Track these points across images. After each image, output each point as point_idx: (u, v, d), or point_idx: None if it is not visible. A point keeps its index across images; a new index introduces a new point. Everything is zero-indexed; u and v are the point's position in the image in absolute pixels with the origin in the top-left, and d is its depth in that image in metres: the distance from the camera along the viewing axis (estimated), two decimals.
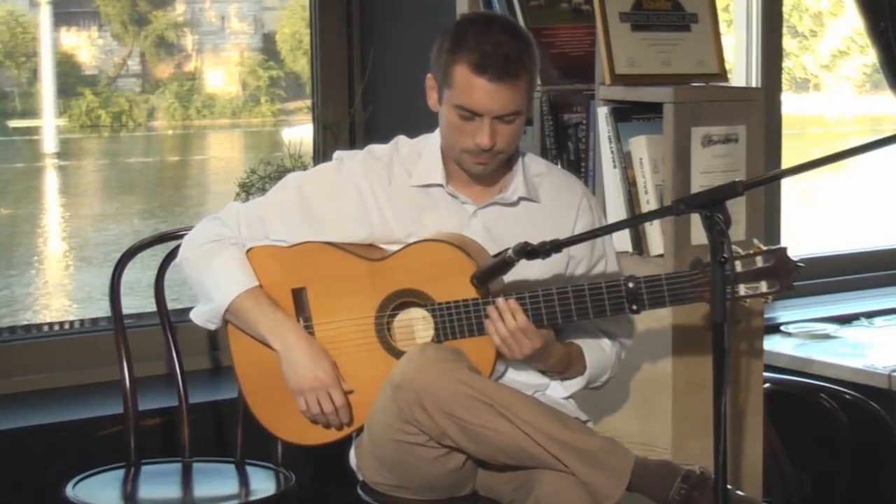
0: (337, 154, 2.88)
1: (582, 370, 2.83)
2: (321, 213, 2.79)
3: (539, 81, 3.38)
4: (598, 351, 2.85)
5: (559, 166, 3.35)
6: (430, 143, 2.82)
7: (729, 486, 2.43)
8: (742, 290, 2.59)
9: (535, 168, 2.87)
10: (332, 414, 2.74)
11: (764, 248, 2.60)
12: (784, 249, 2.60)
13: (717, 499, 2.38)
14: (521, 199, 2.81)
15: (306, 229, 2.79)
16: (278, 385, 2.79)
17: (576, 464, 2.56)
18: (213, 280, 2.78)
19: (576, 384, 2.84)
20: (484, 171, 2.74)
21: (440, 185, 2.78)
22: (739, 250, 2.58)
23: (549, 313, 2.66)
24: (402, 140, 2.86)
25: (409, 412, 2.58)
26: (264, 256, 2.80)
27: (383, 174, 2.80)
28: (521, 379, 2.79)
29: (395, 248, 2.76)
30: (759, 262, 2.59)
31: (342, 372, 2.76)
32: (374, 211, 2.78)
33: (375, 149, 2.85)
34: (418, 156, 2.81)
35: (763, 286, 2.59)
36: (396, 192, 2.79)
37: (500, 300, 2.65)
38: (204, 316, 2.82)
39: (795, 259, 2.60)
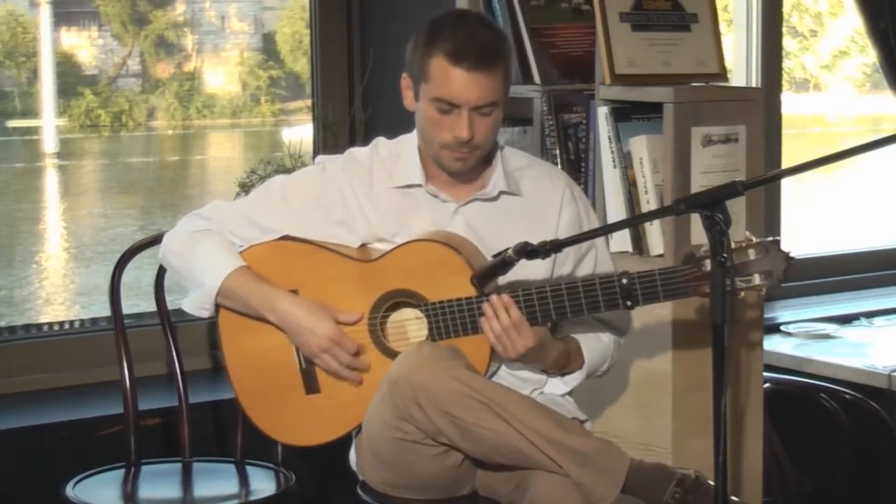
0: (319, 159, 2.91)
1: (581, 364, 2.83)
2: (307, 218, 2.79)
3: (539, 81, 3.40)
4: (595, 343, 2.86)
5: (557, 165, 3.36)
6: (409, 144, 2.82)
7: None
8: (736, 282, 2.59)
9: (515, 162, 2.86)
10: (353, 362, 2.73)
11: (756, 239, 2.60)
12: (776, 241, 2.60)
13: (717, 499, 2.39)
14: (501, 193, 2.81)
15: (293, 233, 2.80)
16: (272, 386, 2.80)
17: (570, 465, 2.56)
18: (200, 265, 2.79)
19: (575, 378, 2.85)
20: (463, 167, 2.74)
21: (419, 186, 2.79)
22: (732, 242, 2.58)
23: (542, 310, 2.67)
24: (381, 141, 2.87)
25: (406, 409, 2.58)
26: (255, 258, 2.80)
27: (364, 177, 2.80)
28: (520, 375, 2.79)
29: (385, 248, 2.76)
30: (752, 254, 2.59)
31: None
32: (358, 214, 2.79)
33: (356, 152, 2.86)
34: (398, 156, 2.82)
35: (756, 279, 2.60)
36: (378, 195, 2.79)
37: (495, 297, 2.66)
38: (196, 303, 2.82)
39: (787, 250, 2.60)
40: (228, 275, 2.77)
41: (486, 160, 2.80)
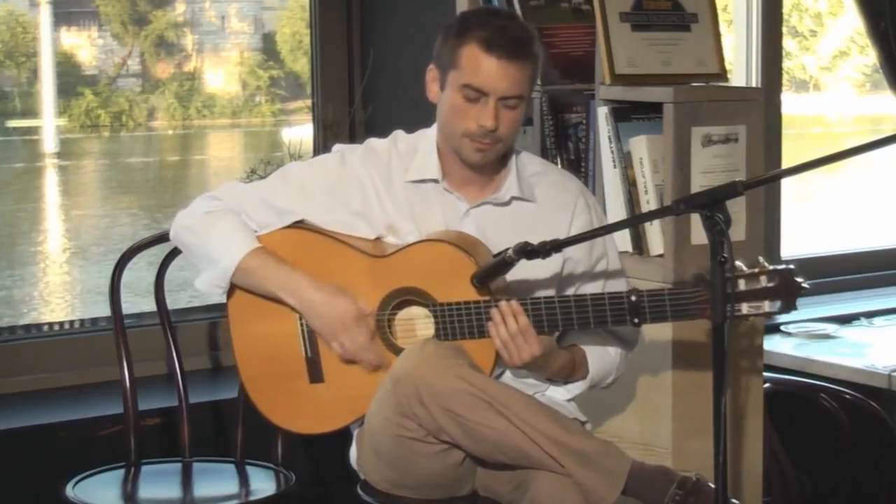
0: (337, 147, 2.89)
1: (585, 374, 2.83)
2: (324, 206, 2.79)
3: (539, 81, 3.39)
4: (602, 354, 2.85)
5: (557, 165, 3.36)
6: (427, 139, 2.82)
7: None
8: (745, 308, 2.58)
9: (531, 167, 2.86)
10: (370, 343, 2.73)
11: (769, 267, 2.59)
12: (789, 270, 2.59)
13: (717, 500, 2.39)
14: (513, 198, 2.81)
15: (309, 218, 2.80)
16: (277, 373, 2.80)
17: (572, 465, 2.55)
18: (216, 244, 2.78)
19: (578, 387, 2.84)
20: (482, 159, 2.74)
21: (435, 181, 2.79)
22: (744, 268, 2.58)
23: (549, 320, 2.66)
24: (399, 134, 2.87)
25: (408, 406, 2.58)
26: (268, 246, 2.80)
27: (382, 169, 2.81)
28: (522, 379, 2.79)
29: (398, 244, 2.77)
30: (764, 281, 2.58)
31: (342, 366, 2.77)
32: (376, 206, 2.79)
33: (374, 144, 2.86)
34: (415, 151, 2.82)
35: (766, 306, 2.59)
36: (395, 188, 2.80)
37: (504, 303, 2.65)
38: (211, 281, 2.81)
39: (800, 280, 2.59)
40: (247, 254, 2.76)
41: (502, 161, 2.81)
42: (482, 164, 2.76)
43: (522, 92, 2.69)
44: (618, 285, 2.84)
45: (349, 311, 2.72)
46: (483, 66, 2.66)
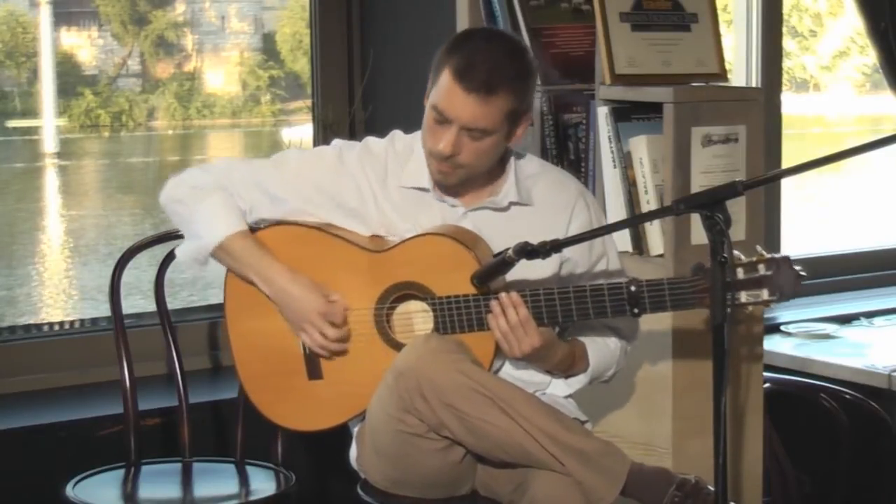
0: (336, 142, 2.88)
1: (585, 367, 2.83)
2: (316, 201, 2.80)
3: (539, 81, 3.39)
4: (602, 347, 2.85)
5: (558, 165, 3.35)
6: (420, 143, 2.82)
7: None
8: (743, 296, 2.59)
9: (528, 169, 2.86)
10: (338, 334, 2.74)
11: (767, 255, 2.59)
12: (787, 258, 2.59)
13: (717, 501, 2.39)
14: (511, 204, 2.80)
15: (301, 213, 2.81)
16: (276, 371, 2.81)
17: (572, 463, 2.56)
18: (202, 218, 2.79)
19: (579, 381, 2.85)
20: (443, 180, 2.74)
21: (426, 190, 2.79)
22: (742, 257, 2.58)
23: (549, 312, 2.67)
24: (397, 135, 2.87)
25: (410, 400, 2.58)
26: (265, 241, 2.80)
27: (379, 170, 2.81)
28: (522, 376, 2.79)
29: (395, 239, 2.77)
30: (762, 269, 2.58)
31: (340, 362, 2.77)
32: (372, 206, 2.79)
33: (372, 143, 2.85)
34: (411, 152, 2.82)
35: (764, 294, 2.59)
36: (390, 190, 2.80)
37: (503, 294, 2.65)
38: (190, 253, 2.82)
39: (798, 268, 2.59)
40: (230, 235, 2.77)
41: (499, 166, 2.80)
42: (446, 185, 2.75)
43: (487, 126, 2.66)
44: None
45: (316, 307, 2.72)
46: (450, 94, 2.65)
